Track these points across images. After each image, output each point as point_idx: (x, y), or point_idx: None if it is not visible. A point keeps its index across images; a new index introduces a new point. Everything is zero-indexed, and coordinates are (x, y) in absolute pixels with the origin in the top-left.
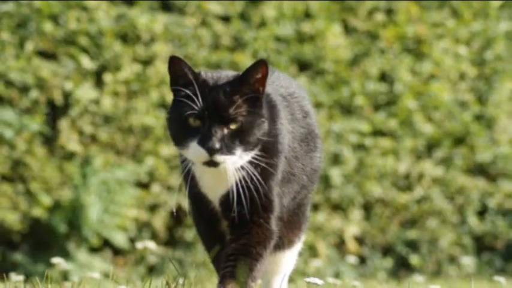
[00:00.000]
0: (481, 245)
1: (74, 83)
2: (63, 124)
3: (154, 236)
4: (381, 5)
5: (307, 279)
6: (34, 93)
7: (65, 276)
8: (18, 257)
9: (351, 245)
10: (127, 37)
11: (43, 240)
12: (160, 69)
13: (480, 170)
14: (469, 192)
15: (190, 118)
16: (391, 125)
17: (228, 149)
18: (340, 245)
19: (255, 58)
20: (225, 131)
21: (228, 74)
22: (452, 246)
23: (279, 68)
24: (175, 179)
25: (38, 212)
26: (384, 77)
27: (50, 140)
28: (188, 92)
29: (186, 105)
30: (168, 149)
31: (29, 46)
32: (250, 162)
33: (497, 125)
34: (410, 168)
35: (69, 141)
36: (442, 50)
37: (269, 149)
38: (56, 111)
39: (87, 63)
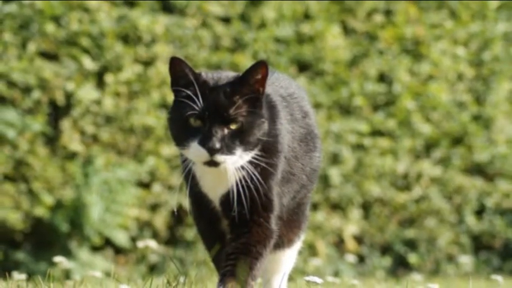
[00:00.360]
0: (479, 244)
1: (76, 83)
2: (65, 124)
3: (155, 235)
4: (380, 6)
5: (307, 278)
6: (36, 94)
7: (67, 275)
8: (20, 256)
9: (350, 244)
10: (128, 38)
11: (45, 239)
12: (161, 70)
13: (478, 170)
14: (467, 191)
15: (191, 118)
16: (389, 125)
17: (229, 149)
18: (339, 244)
19: (255, 59)
20: (226, 131)
21: (228, 74)
22: (451, 245)
23: (278, 69)
24: (176, 179)
25: (40, 212)
26: (382, 78)
27: (52, 140)
28: (189, 92)
29: (187, 106)
30: (169, 149)
31: (31, 47)
32: (250, 162)
33: (494, 125)
34: (409, 168)
35: (71, 141)
36: (440, 51)
37: (269, 149)
38: (58, 112)
39: (88, 64)
